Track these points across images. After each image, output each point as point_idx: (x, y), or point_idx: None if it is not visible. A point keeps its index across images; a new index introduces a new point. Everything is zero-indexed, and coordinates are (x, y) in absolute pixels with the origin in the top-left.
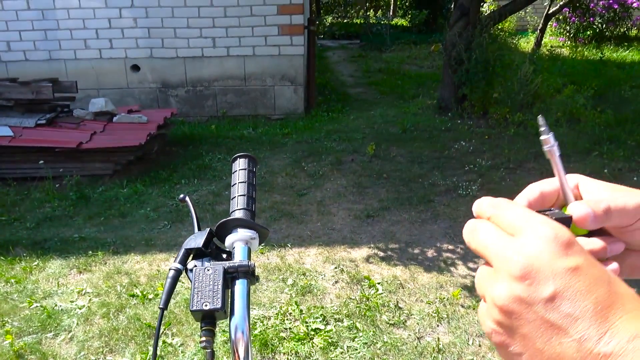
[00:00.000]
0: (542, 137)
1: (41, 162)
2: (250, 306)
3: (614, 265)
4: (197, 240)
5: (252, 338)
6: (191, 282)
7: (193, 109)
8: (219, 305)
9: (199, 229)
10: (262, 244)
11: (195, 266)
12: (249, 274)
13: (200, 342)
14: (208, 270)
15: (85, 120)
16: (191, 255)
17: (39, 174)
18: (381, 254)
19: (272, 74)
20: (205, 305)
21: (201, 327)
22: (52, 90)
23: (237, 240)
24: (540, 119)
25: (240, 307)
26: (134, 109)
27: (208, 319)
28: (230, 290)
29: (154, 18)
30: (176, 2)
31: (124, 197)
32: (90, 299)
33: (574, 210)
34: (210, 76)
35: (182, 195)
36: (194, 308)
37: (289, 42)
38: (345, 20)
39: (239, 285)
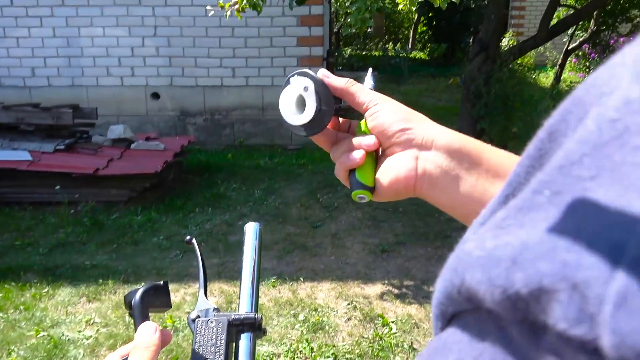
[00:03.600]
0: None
1: (57, 187)
2: (260, 342)
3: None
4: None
5: None
6: (193, 334)
7: (210, 137)
8: None
9: (205, 275)
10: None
11: (198, 317)
12: (255, 327)
13: None
14: (211, 322)
15: (104, 147)
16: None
17: (55, 199)
18: (396, 291)
19: None
20: None
21: None
22: (72, 116)
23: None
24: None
25: None
26: (152, 136)
27: None
28: (234, 344)
29: (176, 47)
30: (198, 32)
31: (137, 225)
32: (97, 329)
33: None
34: (229, 105)
35: (188, 237)
36: None
37: None
38: (363, 53)
39: (244, 341)
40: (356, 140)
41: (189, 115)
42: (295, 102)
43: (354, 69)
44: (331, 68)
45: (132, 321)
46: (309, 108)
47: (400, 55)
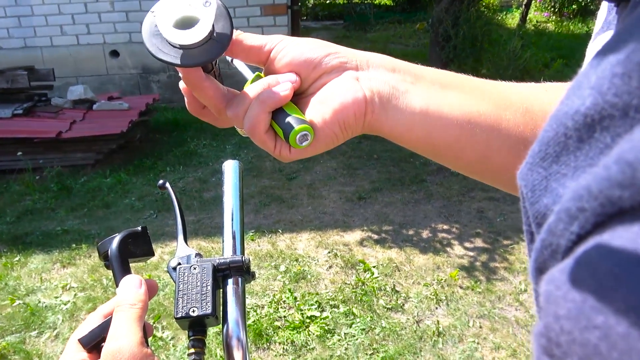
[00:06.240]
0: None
1: (19, 153)
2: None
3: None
4: None
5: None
6: (175, 283)
7: (176, 94)
8: (209, 311)
9: (182, 218)
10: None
11: (180, 264)
12: (243, 271)
13: (189, 354)
14: (195, 268)
15: (64, 109)
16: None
17: (18, 166)
18: (375, 236)
19: None
20: (193, 311)
21: (189, 337)
22: (28, 79)
23: None
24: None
25: (234, 311)
26: (115, 95)
27: (197, 327)
28: (222, 290)
29: (132, 1)
30: None
31: (107, 187)
32: (75, 294)
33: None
34: None
35: (161, 181)
36: (180, 315)
37: (272, 22)
38: (327, 1)
39: (232, 285)
40: (271, 79)
41: (152, 72)
42: (177, 18)
43: (319, 19)
44: (297, 17)
45: (109, 283)
46: (203, 24)
47: (365, 1)
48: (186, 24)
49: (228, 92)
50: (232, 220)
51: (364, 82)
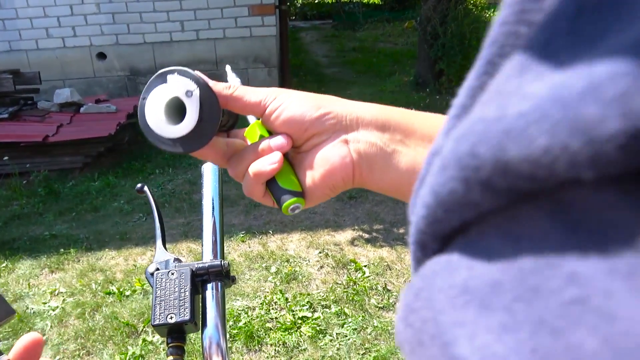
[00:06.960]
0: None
1: (6, 158)
2: (234, 297)
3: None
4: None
5: (236, 332)
6: (152, 289)
7: None
8: (187, 317)
9: (161, 223)
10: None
11: (157, 269)
12: (223, 276)
13: None
14: (172, 274)
15: (51, 112)
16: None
17: (5, 171)
18: (366, 235)
19: (244, 56)
20: (171, 318)
21: (167, 344)
22: (13, 82)
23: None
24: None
25: (214, 317)
26: (102, 98)
27: (175, 334)
28: (201, 296)
29: (118, 2)
30: None
31: (95, 191)
32: (64, 299)
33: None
34: (181, 61)
35: (139, 185)
36: (157, 322)
37: (260, 22)
38: (316, 0)
39: (211, 291)
40: (263, 145)
41: (140, 74)
42: (166, 108)
43: (307, 18)
44: (285, 16)
45: (99, 288)
46: (189, 117)
47: (354, 1)
48: (175, 105)
49: (227, 148)
50: (212, 224)
51: (352, 145)
